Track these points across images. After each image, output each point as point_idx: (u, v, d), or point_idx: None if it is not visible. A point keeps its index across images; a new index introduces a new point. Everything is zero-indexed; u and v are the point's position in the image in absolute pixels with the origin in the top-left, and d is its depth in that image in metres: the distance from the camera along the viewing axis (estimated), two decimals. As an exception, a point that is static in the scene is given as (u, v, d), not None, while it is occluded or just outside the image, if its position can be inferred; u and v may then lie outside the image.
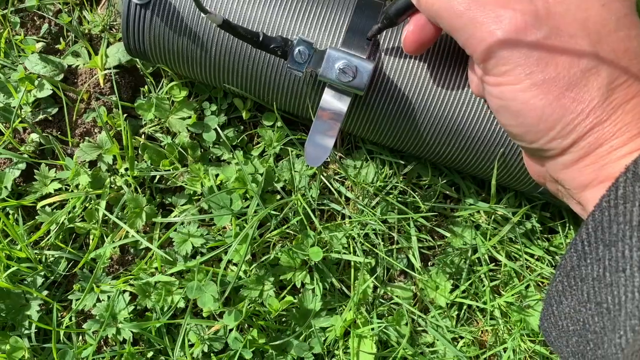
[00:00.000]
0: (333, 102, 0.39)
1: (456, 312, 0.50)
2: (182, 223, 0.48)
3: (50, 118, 0.51)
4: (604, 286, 0.24)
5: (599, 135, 0.26)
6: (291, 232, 0.48)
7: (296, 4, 0.39)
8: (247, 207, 0.47)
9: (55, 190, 0.48)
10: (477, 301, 0.49)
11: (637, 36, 0.27)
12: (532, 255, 0.51)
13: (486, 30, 0.27)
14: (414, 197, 0.48)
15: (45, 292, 0.47)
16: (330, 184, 0.49)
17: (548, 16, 0.26)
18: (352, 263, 0.48)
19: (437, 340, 0.48)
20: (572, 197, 0.30)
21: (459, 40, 0.29)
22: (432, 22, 0.32)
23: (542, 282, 0.50)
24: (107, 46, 0.50)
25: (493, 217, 0.50)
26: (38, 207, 0.48)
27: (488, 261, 0.50)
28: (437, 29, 0.32)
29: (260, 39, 0.35)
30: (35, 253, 0.47)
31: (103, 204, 0.48)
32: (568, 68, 0.26)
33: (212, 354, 0.46)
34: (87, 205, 0.48)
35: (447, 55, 0.39)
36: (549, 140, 0.28)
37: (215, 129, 0.49)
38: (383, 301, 0.49)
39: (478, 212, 0.50)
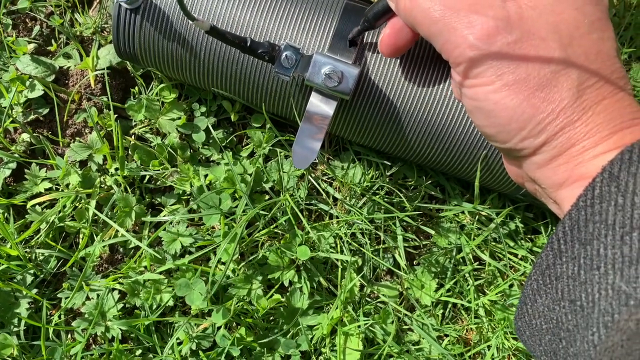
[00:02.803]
0: (320, 105, 0.39)
1: (441, 311, 0.51)
2: (171, 222, 0.48)
3: (41, 118, 0.51)
4: (578, 284, 0.24)
5: (570, 135, 0.27)
6: (279, 231, 0.49)
7: (284, 9, 0.40)
8: (236, 207, 0.48)
9: (45, 189, 0.49)
10: (461, 300, 0.50)
11: (610, 39, 0.28)
12: (515, 255, 0.51)
13: (459, 35, 0.27)
14: (400, 197, 0.49)
15: (34, 290, 0.47)
16: (318, 184, 0.50)
17: (520, 20, 0.27)
18: (339, 262, 0.49)
19: (423, 338, 0.49)
20: (549, 196, 0.30)
21: (435, 46, 0.29)
22: (409, 27, 0.33)
23: (525, 282, 0.51)
24: (98, 48, 0.51)
25: (477, 217, 0.51)
26: (28, 206, 0.48)
27: (472, 260, 0.51)
28: (413, 33, 0.33)
29: (248, 44, 0.36)
30: (25, 251, 0.48)
31: (93, 203, 0.48)
32: (538, 69, 0.27)
33: (200, 352, 0.47)
34: (77, 204, 0.49)
35: (431, 60, 0.40)
36: (521, 140, 0.28)
37: (205, 130, 0.50)
38: (369, 300, 0.50)
39: (463, 212, 0.51)
